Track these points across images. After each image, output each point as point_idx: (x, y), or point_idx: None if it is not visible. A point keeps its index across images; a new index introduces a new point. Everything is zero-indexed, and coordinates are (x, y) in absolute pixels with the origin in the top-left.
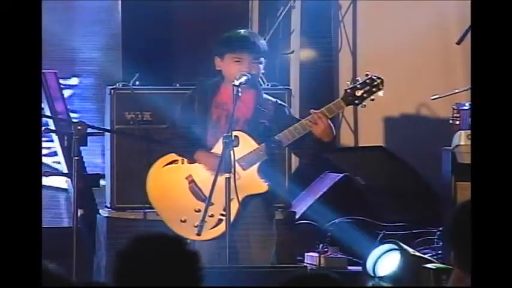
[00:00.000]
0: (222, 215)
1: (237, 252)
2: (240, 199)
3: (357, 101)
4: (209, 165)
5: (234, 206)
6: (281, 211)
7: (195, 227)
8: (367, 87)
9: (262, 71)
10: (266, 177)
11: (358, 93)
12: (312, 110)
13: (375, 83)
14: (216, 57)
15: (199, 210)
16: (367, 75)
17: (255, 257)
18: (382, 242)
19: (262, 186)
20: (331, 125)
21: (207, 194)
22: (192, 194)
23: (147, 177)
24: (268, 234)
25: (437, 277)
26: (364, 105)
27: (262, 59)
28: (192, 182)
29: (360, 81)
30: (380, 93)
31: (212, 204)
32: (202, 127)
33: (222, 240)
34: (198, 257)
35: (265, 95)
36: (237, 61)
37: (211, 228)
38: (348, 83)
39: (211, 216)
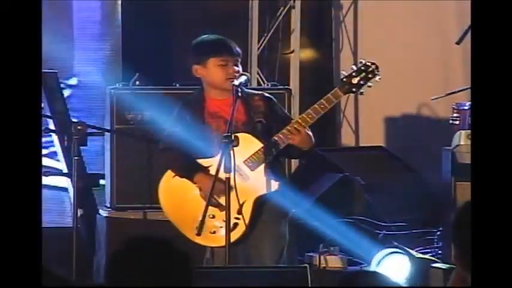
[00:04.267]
0: (236, 218)
1: (250, 252)
2: (252, 201)
3: (354, 89)
4: (207, 187)
5: (248, 208)
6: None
7: (212, 233)
8: (363, 74)
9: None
10: (275, 176)
11: (355, 80)
12: (293, 121)
13: (370, 69)
14: (196, 65)
15: (213, 217)
16: (361, 62)
17: (268, 256)
18: (385, 246)
19: (272, 185)
20: (310, 134)
21: (219, 199)
22: (204, 200)
23: (158, 190)
24: (282, 233)
25: (447, 277)
26: (362, 93)
27: (239, 60)
28: (204, 189)
29: (355, 69)
30: (376, 78)
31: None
32: (202, 138)
33: (240, 243)
34: (189, 257)
35: (248, 90)
36: (222, 65)
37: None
38: (343, 72)
39: (225, 220)
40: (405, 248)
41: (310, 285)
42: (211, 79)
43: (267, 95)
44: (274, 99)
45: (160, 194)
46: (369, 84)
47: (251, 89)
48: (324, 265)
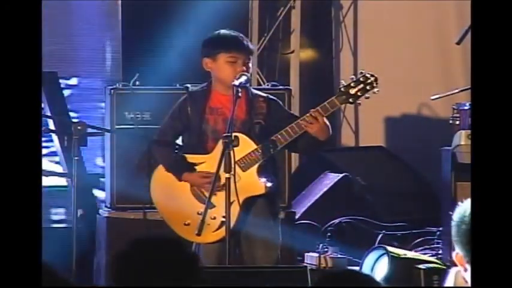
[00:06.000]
0: (224, 217)
1: (242, 253)
2: (241, 201)
3: (351, 99)
4: (196, 183)
5: (235, 209)
6: (281, 211)
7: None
8: (361, 85)
9: None
10: (267, 178)
11: (352, 91)
12: (311, 111)
13: (369, 81)
14: (206, 58)
15: (202, 213)
16: (361, 73)
17: (260, 258)
18: (371, 249)
19: (261, 187)
20: (328, 123)
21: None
22: (194, 197)
23: (150, 182)
24: (273, 235)
25: (428, 277)
26: (359, 103)
27: (251, 58)
28: (193, 185)
29: (354, 79)
30: (375, 90)
31: (214, 206)
32: (199, 134)
33: (229, 241)
34: (198, 258)
35: (255, 91)
36: (231, 61)
37: (214, 231)
38: (343, 81)
39: (214, 218)
40: (388, 248)
41: (310, 285)
42: (219, 74)
43: (271, 97)
44: (279, 102)
45: (152, 187)
46: (367, 95)
47: (255, 89)
48: (324, 265)
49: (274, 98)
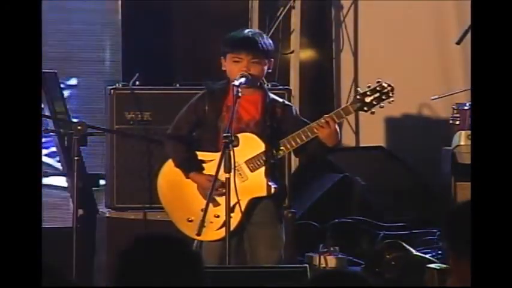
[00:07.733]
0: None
1: (245, 253)
2: (246, 201)
3: (365, 107)
4: (202, 185)
5: (240, 209)
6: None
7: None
8: (377, 94)
9: (269, 71)
10: (273, 180)
11: (368, 99)
12: (325, 116)
13: (385, 91)
14: (221, 57)
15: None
16: (378, 82)
17: (264, 258)
18: (385, 243)
19: (268, 188)
20: (338, 130)
21: (215, 196)
22: (200, 194)
23: (158, 176)
24: (277, 235)
25: (442, 277)
26: (373, 112)
27: (264, 59)
28: (199, 186)
29: (371, 88)
30: (390, 100)
31: (219, 204)
32: (212, 131)
33: (231, 240)
34: (200, 257)
35: (272, 95)
36: (236, 61)
37: (218, 229)
38: (359, 89)
39: (217, 216)
40: (404, 244)
41: (309, 286)
42: (228, 73)
43: (287, 102)
44: (295, 108)
45: (159, 181)
46: (381, 104)
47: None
48: (324, 265)
49: (290, 104)
